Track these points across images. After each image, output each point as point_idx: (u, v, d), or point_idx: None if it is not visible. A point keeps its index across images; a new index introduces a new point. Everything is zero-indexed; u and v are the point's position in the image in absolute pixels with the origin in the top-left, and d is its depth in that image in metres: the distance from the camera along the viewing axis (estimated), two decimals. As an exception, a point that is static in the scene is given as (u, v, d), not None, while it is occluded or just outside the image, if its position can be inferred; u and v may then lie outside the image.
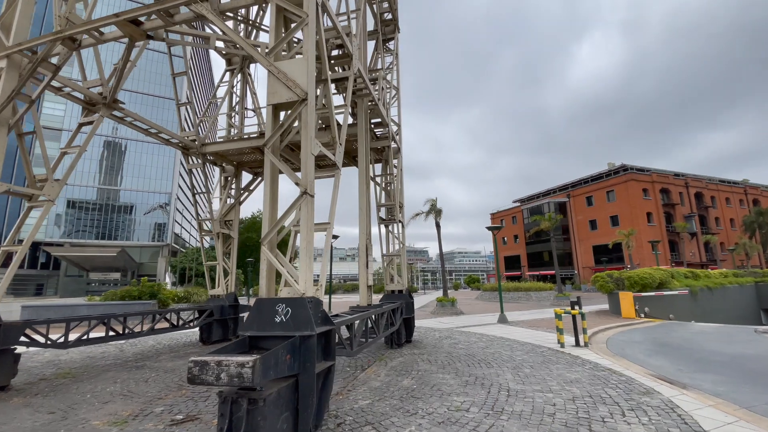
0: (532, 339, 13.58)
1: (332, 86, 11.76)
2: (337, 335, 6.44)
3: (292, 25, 6.58)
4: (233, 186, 15.12)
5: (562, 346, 11.80)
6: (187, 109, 14.35)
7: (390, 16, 14.65)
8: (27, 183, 8.70)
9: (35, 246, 66.46)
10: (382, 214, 13.28)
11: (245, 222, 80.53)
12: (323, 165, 13.58)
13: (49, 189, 8.69)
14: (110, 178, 78.22)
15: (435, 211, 25.39)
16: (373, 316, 8.54)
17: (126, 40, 7.91)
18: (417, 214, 26.76)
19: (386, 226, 13.26)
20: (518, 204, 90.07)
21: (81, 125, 10.09)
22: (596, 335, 14.94)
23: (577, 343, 12.05)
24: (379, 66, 14.79)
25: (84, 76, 10.34)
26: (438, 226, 25.46)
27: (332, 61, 8.91)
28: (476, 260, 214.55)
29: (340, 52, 8.76)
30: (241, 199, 15.20)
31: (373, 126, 12.72)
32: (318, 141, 5.98)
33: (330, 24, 7.90)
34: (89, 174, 76.27)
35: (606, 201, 65.46)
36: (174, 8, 6.95)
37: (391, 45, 14.83)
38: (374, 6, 14.81)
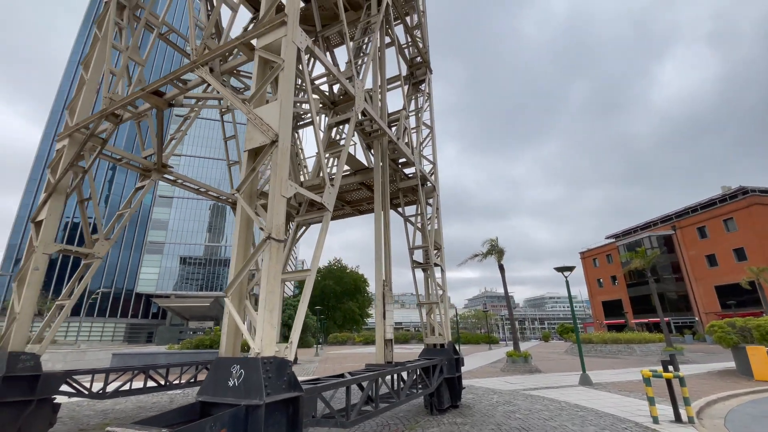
0: (617, 409, 10.83)
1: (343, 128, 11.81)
2: (324, 402, 5.59)
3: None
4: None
5: (656, 421, 9.11)
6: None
7: (420, 59, 14.66)
8: (85, 243, 9.79)
9: (148, 298, 76.80)
10: (419, 257, 12.34)
11: (322, 270, 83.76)
12: (354, 205, 13.31)
13: (99, 247, 9.64)
14: (214, 237, 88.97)
15: (496, 251, 23.22)
16: (391, 377, 7.45)
17: (180, 110, 8.91)
18: (475, 256, 24.81)
19: (424, 271, 12.22)
20: (612, 240, 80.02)
21: (137, 189, 11.35)
22: (712, 406, 11.42)
23: (677, 418, 9.20)
24: (413, 107, 14.64)
25: (143, 146, 11.80)
26: (501, 268, 23.15)
27: (339, 105, 8.85)
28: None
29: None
30: (294, 248, 15.51)
31: (401, 165, 12.28)
32: (293, 182, 5.64)
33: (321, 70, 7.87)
34: (199, 234, 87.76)
35: (725, 231, 54.70)
36: (183, 74, 7.55)
37: (423, 86, 14.68)
38: (406, 51, 15.02)
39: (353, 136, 9.48)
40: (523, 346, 57.72)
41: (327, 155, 10.59)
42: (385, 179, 10.06)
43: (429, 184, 13.53)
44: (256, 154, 5.91)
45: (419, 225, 12.66)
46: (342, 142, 11.22)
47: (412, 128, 13.13)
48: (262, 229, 5.01)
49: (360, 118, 9.70)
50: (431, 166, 14.37)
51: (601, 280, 78.40)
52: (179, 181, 12.60)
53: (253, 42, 6.89)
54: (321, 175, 6.61)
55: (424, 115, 14.65)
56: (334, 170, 12.15)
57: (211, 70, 7.39)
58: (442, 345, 11.28)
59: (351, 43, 8.93)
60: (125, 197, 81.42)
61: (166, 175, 11.92)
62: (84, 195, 9.73)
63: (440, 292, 12.19)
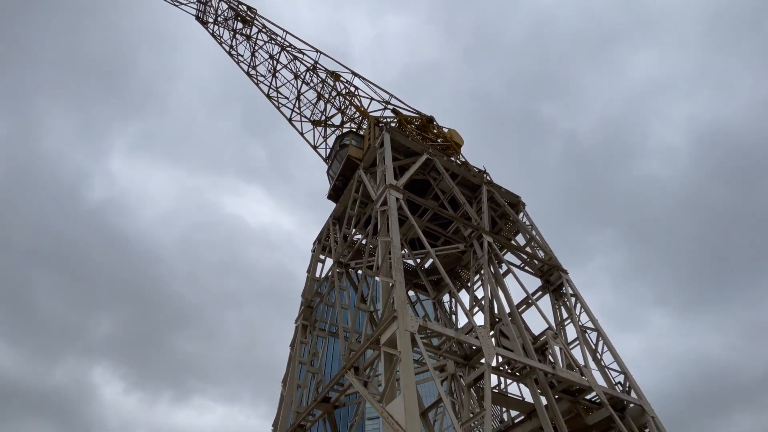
0: None
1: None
2: None
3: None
4: None
5: None
6: None
7: (548, 267, 14.43)
8: None
9: None
10: None
11: None
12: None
13: None
14: None
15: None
16: None
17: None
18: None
19: None
20: None
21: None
22: None
23: None
24: (565, 315, 13.40)
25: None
26: None
27: (474, 358, 8.79)
28: None
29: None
30: None
31: (577, 394, 10.10)
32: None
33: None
34: None
35: None
36: (339, 379, 8.99)
37: (564, 289, 13.79)
38: (530, 264, 15.20)
39: (494, 386, 8.83)
40: None
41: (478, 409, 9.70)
42: (558, 422, 8.33)
43: (632, 404, 10.48)
44: (395, 456, 5.94)
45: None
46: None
47: (572, 342, 11.58)
48: None
49: (499, 360, 9.26)
50: (623, 375, 11.53)
51: None
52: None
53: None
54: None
55: (581, 317, 13.09)
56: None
57: (356, 369, 8.67)
58: None
59: (467, 294, 9.71)
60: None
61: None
62: None
63: None
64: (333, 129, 23.03)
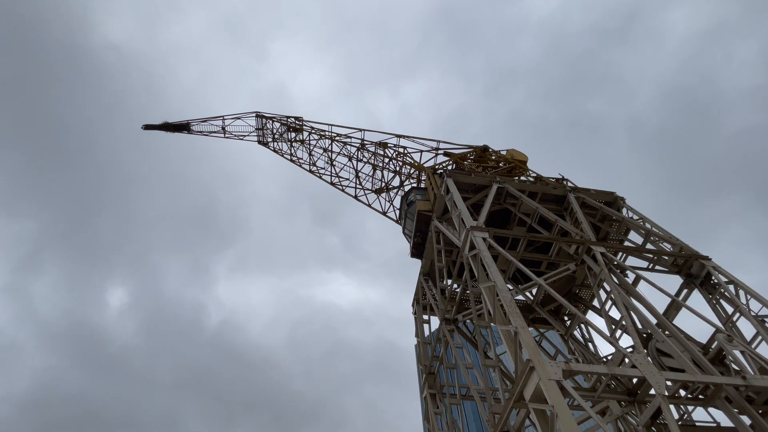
0: None
1: None
2: None
3: None
4: None
5: None
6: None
7: (683, 260, 12.34)
8: None
9: None
10: None
11: None
12: None
13: None
14: None
15: None
16: None
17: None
18: None
19: None
20: None
21: None
22: None
23: None
24: (728, 308, 11.12)
25: None
26: None
27: (641, 392, 7.46)
28: None
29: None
30: None
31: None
32: None
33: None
34: None
35: None
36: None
37: (713, 279, 11.57)
38: (660, 262, 13.22)
39: (677, 418, 7.33)
40: None
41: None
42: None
43: None
44: None
45: None
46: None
47: (752, 340, 9.37)
48: None
49: (669, 386, 7.78)
50: None
51: None
52: None
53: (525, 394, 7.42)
54: None
55: (750, 306, 10.72)
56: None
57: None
58: None
59: (596, 315, 8.62)
60: None
61: None
62: None
63: None
64: (396, 191, 23.83)
